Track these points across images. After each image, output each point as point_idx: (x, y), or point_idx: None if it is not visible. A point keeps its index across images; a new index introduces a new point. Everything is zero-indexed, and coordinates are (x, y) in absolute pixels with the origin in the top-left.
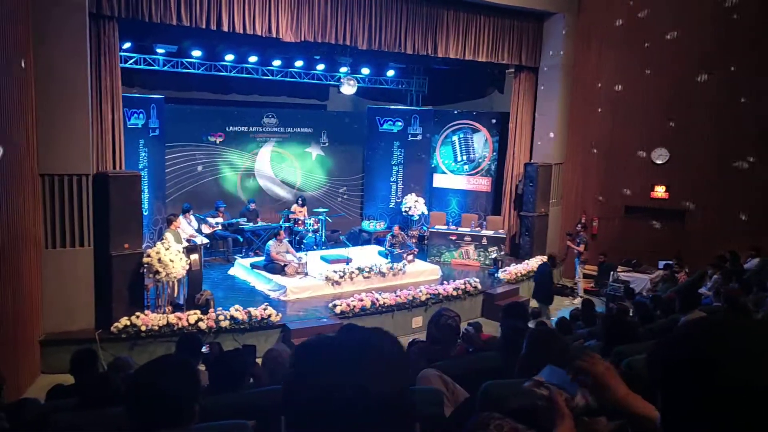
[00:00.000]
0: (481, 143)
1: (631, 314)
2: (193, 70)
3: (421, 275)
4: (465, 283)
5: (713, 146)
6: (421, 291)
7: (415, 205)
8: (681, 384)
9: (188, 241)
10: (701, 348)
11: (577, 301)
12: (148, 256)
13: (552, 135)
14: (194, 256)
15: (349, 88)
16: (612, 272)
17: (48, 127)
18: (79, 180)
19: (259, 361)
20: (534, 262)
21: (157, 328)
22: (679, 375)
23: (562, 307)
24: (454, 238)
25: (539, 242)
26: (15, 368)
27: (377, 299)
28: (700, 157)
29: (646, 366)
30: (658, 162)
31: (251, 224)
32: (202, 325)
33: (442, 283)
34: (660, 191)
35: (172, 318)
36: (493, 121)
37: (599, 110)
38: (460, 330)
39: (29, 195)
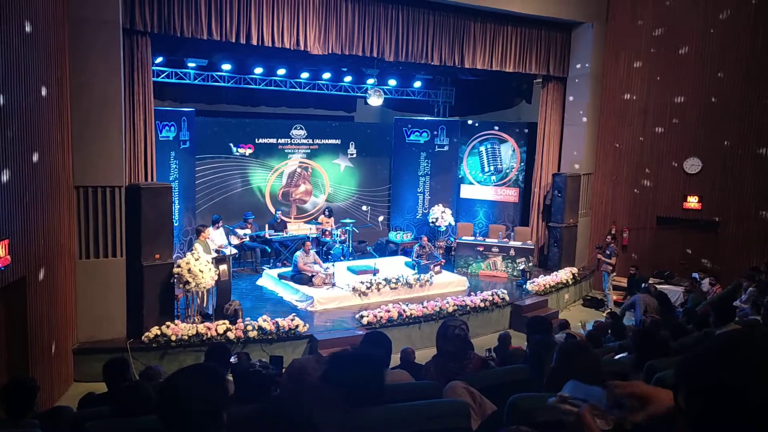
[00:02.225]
0: (509, 154)
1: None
2: (222, 83)
3: (448, 286)
4: (493, 295)
5: (747, 155)
6: (448, 302)
7: (442, 215)
8: (713, 400)
9: (217, 251)
10: (735, 364)
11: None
12: (178, 266)
13: (576, 153)
14: (223, 267)
15: (376, 100)
16: (643, 284)
17: (83, 140)
18: (112, 192)
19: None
20: (563, 274)
21: (186, 337)
22: (711, 391)
23: (591, 320)
24: (481, 249)
25: (568, 253)
26: (49, 377)
27: (404, 310)
28: (733, 167)
29: (674, 379)
30: (691, 172)
31: (279, 235)
32: (231, 335)
33: (469, 295)
34: (693, 201)
35: (202, 328)
36: (517, 130)
37: (628, 120)
38: (467, 338)
39: (64, 207)
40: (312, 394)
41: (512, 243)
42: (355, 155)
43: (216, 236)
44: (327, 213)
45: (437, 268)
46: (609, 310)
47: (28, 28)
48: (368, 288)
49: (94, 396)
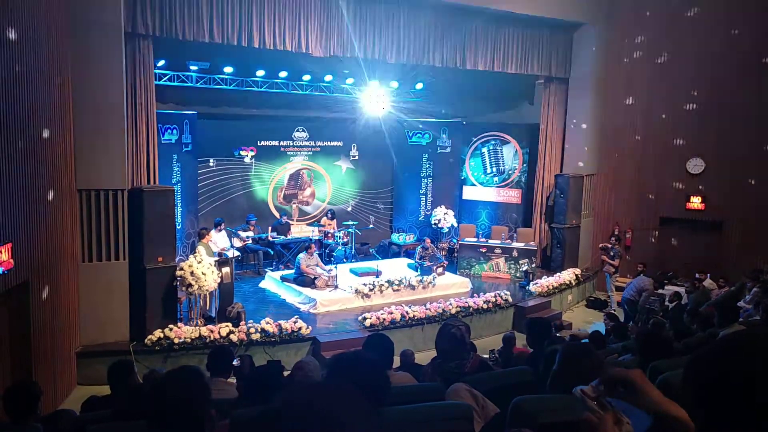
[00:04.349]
0: (511, 155)
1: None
2: (224, 86)
3: (451, 288)
4: (495, 296)
5: (750, 156)
6: (451, 304)
7: (444, 217)
8: (718, 399)
9: (220, 254)
10: (739, 363)
11: None
12: (181, 269)
13: (578, 154)
14: (225, 269)
15: (378, 102)
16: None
17: (85, 143)
18: (115, 195)
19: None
20: (566, 275)
21: (189, 340)
22: (716, 390)
23: (595, 321)
24: (484, 250)
25: (571, 254)
26: (52, 380)
27: (407, 312)
28: (736, 167)
29: (682, 380)
30: (694, 172)
31: (281, 237)
32: (234, 337)
33: (472, 296)
34: (696, 202)
35: (204, 330)
36: (519, 131)
37: (631, 121)
38: (467, 339)
39: (67, 210)
40: (331, 394)
41: (515, 244)
42: (357, 157)
43: (218, 239)
44: (329, 215)
45: (440, 270)
46: (611, 311)
47: (30, 32)
48: (371, 290)
49: (96, 399)
